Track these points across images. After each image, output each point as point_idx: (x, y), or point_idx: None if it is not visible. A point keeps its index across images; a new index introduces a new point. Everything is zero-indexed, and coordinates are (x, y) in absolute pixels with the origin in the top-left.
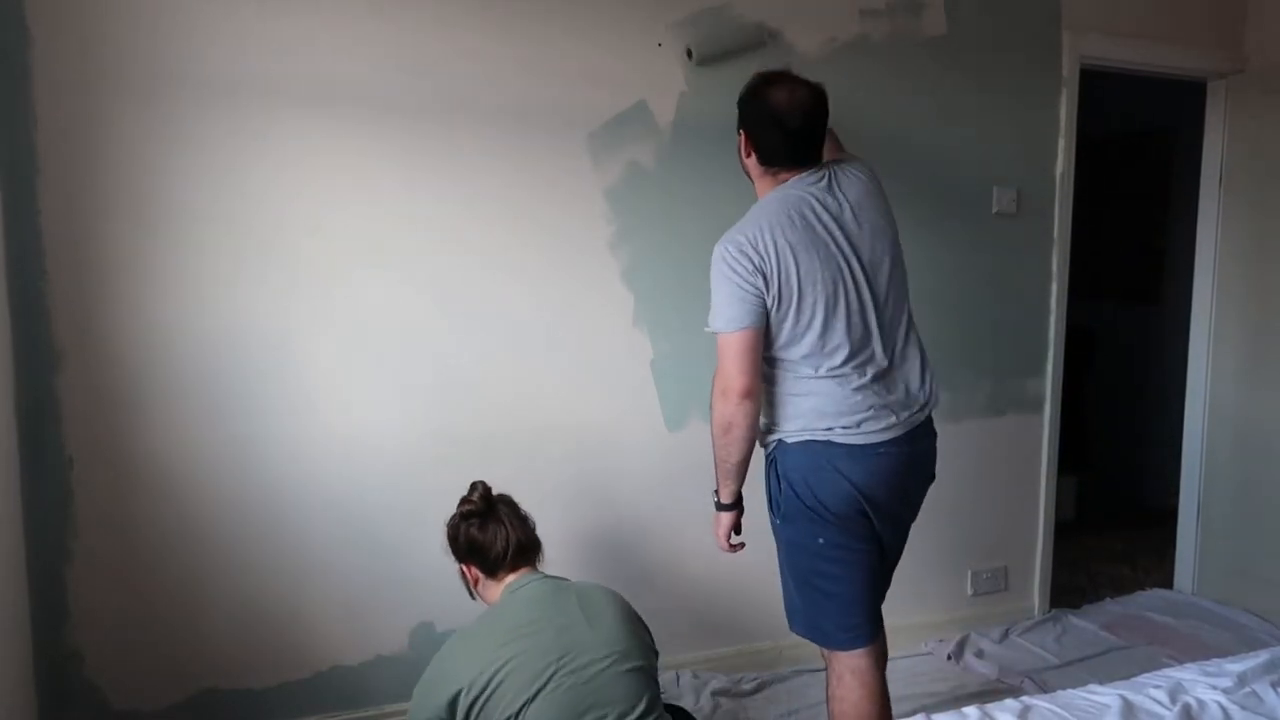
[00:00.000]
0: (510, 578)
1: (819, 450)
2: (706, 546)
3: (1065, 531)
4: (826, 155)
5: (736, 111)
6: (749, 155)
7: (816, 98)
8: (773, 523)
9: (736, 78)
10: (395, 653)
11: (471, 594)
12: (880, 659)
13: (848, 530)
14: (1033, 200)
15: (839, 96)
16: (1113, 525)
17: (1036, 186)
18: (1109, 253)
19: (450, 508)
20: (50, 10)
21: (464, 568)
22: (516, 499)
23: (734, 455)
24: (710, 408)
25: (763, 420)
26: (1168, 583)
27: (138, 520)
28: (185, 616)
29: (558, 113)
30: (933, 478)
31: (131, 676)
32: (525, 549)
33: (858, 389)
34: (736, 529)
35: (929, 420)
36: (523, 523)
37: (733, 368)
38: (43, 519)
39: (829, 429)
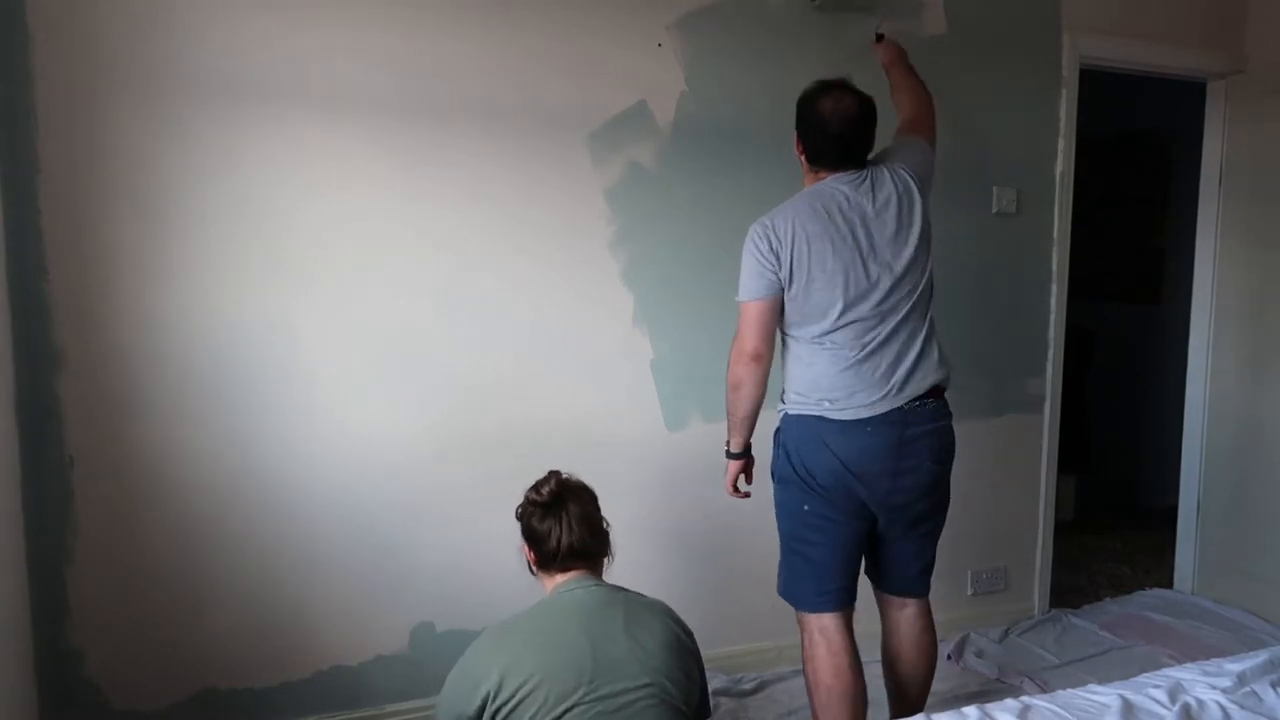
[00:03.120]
0: (560, 577)
1: (812, 424)
2: (705, 547)
3: (1065, 531)
4: (904, 127)
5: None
6: (800, 153)
7: (862, 109)
8: (774, 487)
9: (735, 79)
10: (395, 653)
11: (532, 571)
12: (850, 624)
13: (832, 502)
14: (1033, 200)
15: None
16: (1113, 525)
17: (1036, 186)
18: (1109, 253)
19: (449, 507)
20: (50, 10)
21: (524, 547)
22: (515, 498)
23: (741, 410)
24: (727, 367)
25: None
26: (1167, 582)
27: (139, 519)
28: (186, 615)
29: (558, 113)
30: (939, 464)
31: (132, 675)
32: (580, 553)
33: (849, 367)
34: (748, 479)
35: (931, 408)
36: (588, 526)
37: (746, 331)
38: (43, 518)
39: (820, 403)
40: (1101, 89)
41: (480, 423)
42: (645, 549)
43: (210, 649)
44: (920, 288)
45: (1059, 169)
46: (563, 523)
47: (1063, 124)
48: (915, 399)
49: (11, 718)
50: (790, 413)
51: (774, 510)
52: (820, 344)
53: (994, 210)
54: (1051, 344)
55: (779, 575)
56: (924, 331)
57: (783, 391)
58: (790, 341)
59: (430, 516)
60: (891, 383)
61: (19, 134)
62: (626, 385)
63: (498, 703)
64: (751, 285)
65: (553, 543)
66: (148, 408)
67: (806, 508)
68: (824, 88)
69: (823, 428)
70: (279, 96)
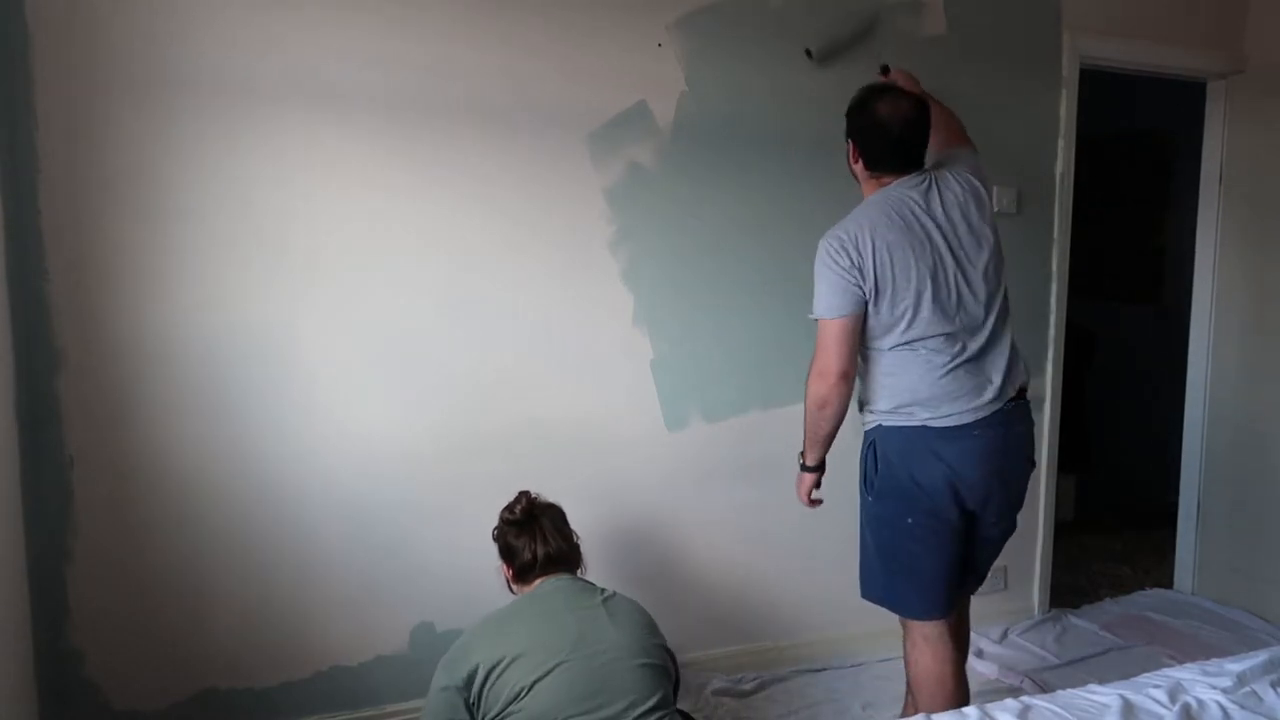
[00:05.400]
0: (540, 580)
1: (914, 434)
2: (705, 547)
3: (1065, 531)
4: (943, 143)
5: (843, 121)
6: (856, 161)
7: (917, 108)
8: (864, 499)
9: (735, 79)
10: (395, 652)
11: (510, 588)
12: (953, 629)
13: (937, 513)
14: (1033, 200)
15: (839, 96)
16: (1113, 525)
17: (1036, 186)
18: (1109, 253)
19: (449, 507)
20: (51, 11)
21: (502, 565)
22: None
23: (824, 429)
24: (806, 384)
25: (859, 399)
26: (1167, 582)
27: (138, 519)
28: (186, 616)
29: (558, 113)
30: (1032, 463)
31: (132, 676)
32: (556, 561)
33: (945, 374)
34: (818, 485)
35: (1022, 406)
36: (562, 537)
37: (832, 351)
38: (43, 518)
39: (917, 411)
40: (1101, 89)
41: (480, 423)
42: (644, 549)
43: (210, 649)
44: (1001, 288)
45: (1059, 169)
46: (537, 536)
47: (1063, 124)
48: (1011, 399)
49: (11, 718)
50: (886, 424)
51: (862, 521)
52: (912, 351)
53: (994, 210)
54: (1051, 344)
55: (869, 580)
56: (1008, 332)
57: (862, 403)
58: (871, 353)
59: (430, 516)
60: (990, 386)
61: (19, 134)
62: (626, 385)
63: (487, 668)
64: (834, 301)
65: (528, 555)
66: (148, 408)
67: (910, 520)
68: (875, 92)
69: (929, 436)
70: (280, 97)
